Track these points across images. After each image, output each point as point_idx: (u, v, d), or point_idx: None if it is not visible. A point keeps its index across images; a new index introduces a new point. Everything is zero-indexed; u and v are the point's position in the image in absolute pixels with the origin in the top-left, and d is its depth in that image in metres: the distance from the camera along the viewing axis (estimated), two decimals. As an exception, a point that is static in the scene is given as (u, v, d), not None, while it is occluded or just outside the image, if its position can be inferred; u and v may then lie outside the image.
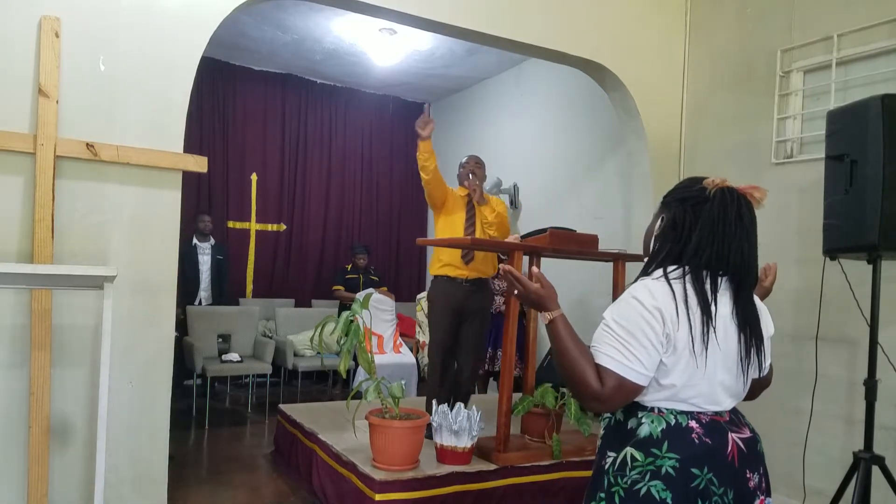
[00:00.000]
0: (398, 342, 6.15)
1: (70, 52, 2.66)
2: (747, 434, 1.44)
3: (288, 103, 7.24)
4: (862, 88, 3.30)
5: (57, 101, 2.61)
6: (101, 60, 2.73)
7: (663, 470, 1.34)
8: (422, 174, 3.67)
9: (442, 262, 3.75)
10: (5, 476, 2.55)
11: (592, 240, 3.60)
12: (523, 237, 3.72)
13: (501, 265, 1.54)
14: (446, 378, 3.73)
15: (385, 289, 6.67)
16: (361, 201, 7.76)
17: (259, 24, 5.79)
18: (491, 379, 5.61)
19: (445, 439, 3.15)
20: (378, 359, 5.33)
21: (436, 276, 3.80)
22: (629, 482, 1.36)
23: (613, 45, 4.07)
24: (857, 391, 2.99)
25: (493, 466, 3.18)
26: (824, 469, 3.29)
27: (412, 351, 6.23)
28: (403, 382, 3.22)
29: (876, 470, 2.60)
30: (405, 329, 6.59)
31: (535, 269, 1.50)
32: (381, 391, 3.06)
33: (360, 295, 4.85)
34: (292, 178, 7.31)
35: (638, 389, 1.37)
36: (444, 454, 3.16)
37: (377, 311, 5.77)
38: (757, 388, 1.56)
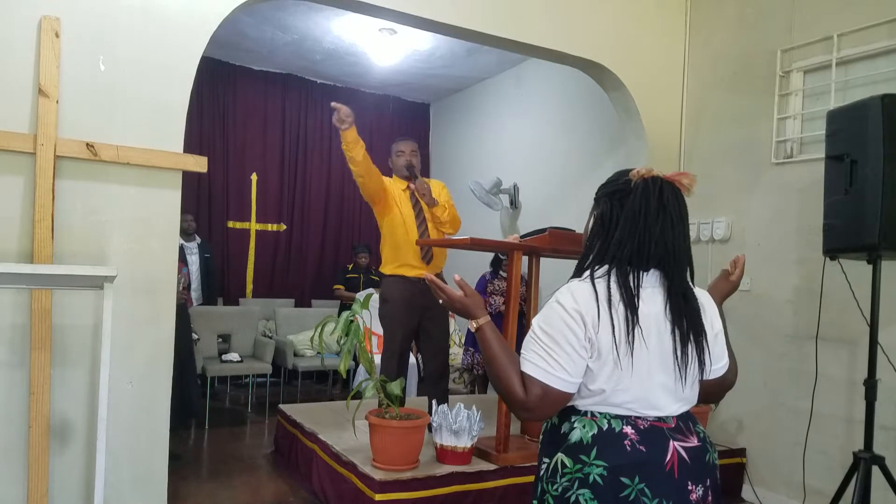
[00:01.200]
0: (398, 342, 6.13)
1: (70, 52, 2.66)
2: (694, 443, 1.34)
3: (288, 103, 7.24)
4: (862, 88, 3.30)
5: (57, 101, 2.60)
6: (101, 60, 2.73)
7: (591, 478, 1.28)
8: (351, 167, 3.42)
9: (399, 262, 3.63)
10: (5, 476, 2.55)
11: (591, 240, 3.59)
12: (523, 237, 3.72)
13: (425, 275, 1.51)
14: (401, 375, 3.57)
15: (385, 289, 6.66)
16: (361, 201, 7.74)
17: (259, 24, 5.79)
18: (491, 379, 5.61)
19: (445, 439, 3.15)
20: (378, 359, 5.32)
21: (390, 275, 3.67)
22: (560, 489, 1.31)
23: (613, 45, 4.07)
24: (857, 391, 2.99)
25: (493, 466, 3.18)
26: (824, 469, 3.29)
27: (412, 351, 6.22)
28: (403, 381, 3.22)
29: (876, 470, 2.61)
30: (405, 329, 6.57)
31: (457, 276, 1.47)
32: (380, 390, 3.06)
33: (361, 295, 4.86)
34: (292, 178, 7.31)
35: (565, 397, 1.31)
36: (444, 454, 3.16)
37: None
38: (715, 389, 1.46)
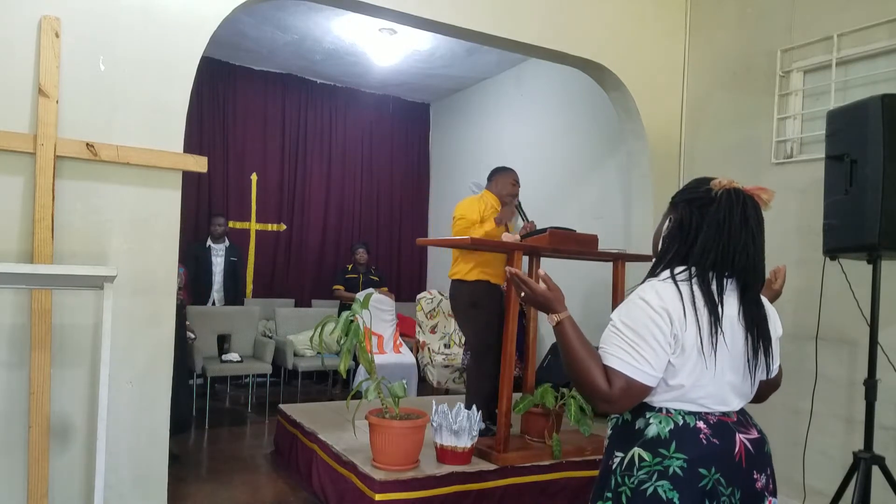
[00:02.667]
0: (398, 342, 6.15)
1: (70, 52, 2.66)
2: (755, 435, 1.44)
3: (288, 103, 7.24)
4: (862, 88, 3.30)
5: (57, 101, 2.60)
6: (101, 60, 2.73)
7: (671, 470, 1.34)
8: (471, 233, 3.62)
9: (482, 270, 3.71)
10: (5, 476, 2.55)
11: (592, 240, 3.60)
12: (523, 237, 3.72)
13: (507, 268, 1.54)
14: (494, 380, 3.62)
15: (385, 289, 6.67)
16: (361, 201, 7.76)
17: (259, 24, 5.79)
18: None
19: (445, 439, 3.15)
20: (378, 359, 5.32)
21: (476, 280, 3.72)
22: (636, 482, 1.36)
23: (613, 45, 4.07)
24: (857, 391, 2.99)
25: (493, 466, 3.18)
26: (824, 469, 3.29)
27: (412, 351, 6.23)
28: (404, 382, 3.22)
29: (876, 470, 2.60)
30: (405, 329, 6.59)
31: (541, 271, 1.50)
32: (381, 391, 3.06)
33: (361, 295, 4.86)
34: (292, 178, 7.31)
35: (646, 390, 1.37)
36: (444, 454, 3.16)
37: (377, 311, 5.77)
38: (766, 390, 1.56)
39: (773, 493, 1.46)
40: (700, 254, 1.41)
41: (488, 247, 3.49)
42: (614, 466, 1.42)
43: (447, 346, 6.34)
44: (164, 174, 2.86)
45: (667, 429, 1.37)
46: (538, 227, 3.74)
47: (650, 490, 1.34)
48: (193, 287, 5.89)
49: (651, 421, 1.39)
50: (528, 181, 6.30)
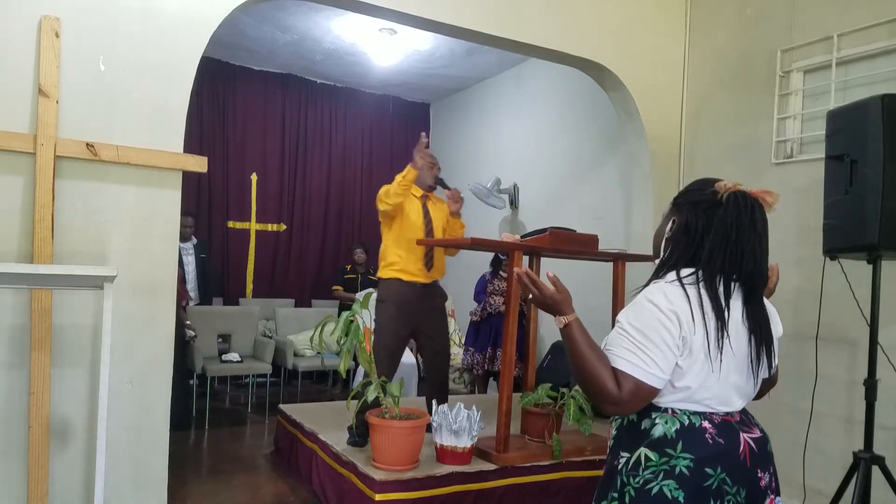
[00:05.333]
0: (398, 342, 6.13)
1: (70, 52, 2.66)
2: (757, 434, 1.45)
3: (288, 103, 7.24)
4: (862, 88, 3.30)
5: (57, 101, 2.60)
6: (101, 60, 2.73)
7: (677, 469, 1.35)
8: (386, 202, 3.49)
9: (397, 267, 3.63)
10: (5, 476, 2.55)
11: (592, 240, 3.60)
12: (523, 237, 3.72)
13: (516, 269, 1.53)
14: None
15: (385, 289, 6.65)
16: (361, 201, 7.76)
17: (259, 24, 5.79)
18: (491, 379, 5.61)
19: (445, 439, 3.14)
20: (378, 359, 5.32)
21: (387, 279, 3.65)
22: (641, 482, 1.37)
23: (613, 45, 4.07)
24: (857, 391, 2.99)
25: (493, 466, 3.18)
26: (824, 469, 3.28)
27: (412, 351, 6.22)
28: (402, 380, 3.22)
29: (876, 470, 2.60)
30: (405, 329, 6.58)
31: (550, 272, 1.50)
32: (381, 391, 3.06)
33: (360, 295, 4.85)
34: (292, 178, 7.31)
35: (654, 392, 1.38)
36: (444, 454, 3.16)
37: (377, 311, 5.76)
38: (765, 388, 1.58)
39: (777, 492, 1.47)
40: (708, 258, 1.41)
41: (488, 246, 3.49)
42: (620, 466, 1.43)
43: (447, 346, 6.33)
44: (164, 174, 2.86)
45: (673, 429, 1.38)
46: (539, 228, 3.74)
47: (655, 489, 1.35)
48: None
49: (657, 421, 1.40)
50: (528, 181, 6.34)
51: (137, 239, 2.81)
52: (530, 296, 1.47)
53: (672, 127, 4.30)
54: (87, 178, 2.70)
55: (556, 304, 1.44)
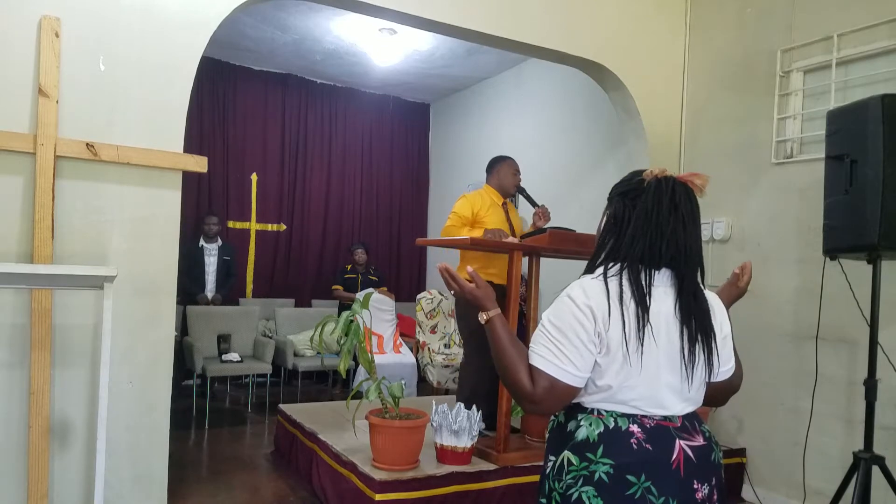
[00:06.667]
0: (398, 342, 6.15)
1: (70, 52, 2.66)
2: (699, 442, 1.35)
3: (288, 103, 7.24)
4: (862, 88, 3.30)
5: (57, 101, 2.61)
6: (101, 60, 2.73)
7: (596, 475, 1.28)
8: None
9: (481, 270, 3.68)
10: (5, 476, 2.55)
11: (592, 240, 3.57)
12: (523, 237, 3.72)
13: (438, 265, 1.51)
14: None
15: (385, 289, 6.67)
16: (361, 201, 7.76)
17: (259, 24, 5.79)
18: (491, 379, 5.61)
19: (445, 439, 3.14)
20: (378, 359, 5.32)
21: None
22: (564, 487, 1.32)
23: (613, 45, 4.07)
24: (857, 391, 2.99)
25: (493, 466, 3.18)
26: (824, 469, 3.29)
27: (412, 351, 6.23)
28: (404, 382, 3.22)
29: (876, 470, 2.60)
30: (405, 329, 6.59)
31: (469, 268, 1.48)
32: (381, 391, 3.06)
33: (360, 295, 4.86)
34: (292, 178, 7.31)
35: (571, 391, 1.32)
36: (444, 454, 3.16)
37: (377, 311, 5.77)
38: (720, 392, 1.48)
39: None
40: (629, 245, 1.36)
41: (487, 247, 3.49)
42: (547, 471, 1.38)
43: (447, 346, 6.34)
44: (164, 174, 2.86)
45: (596, 432, 1.31)
46: (539, 228, 3.75)
47: (575, 495, 1.29)
48: (183, 286, 5.87)
49: (582, 423, 1.34)
50: (528, 181, 6.28)
51: (137, 239, 2.81)
52: (452, 292, 1.46)
53: (672, 127, 4.30)
54: (87, 178, 2.71)
55: (477, 299, 1.42)
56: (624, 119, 4.32)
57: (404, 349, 6.13)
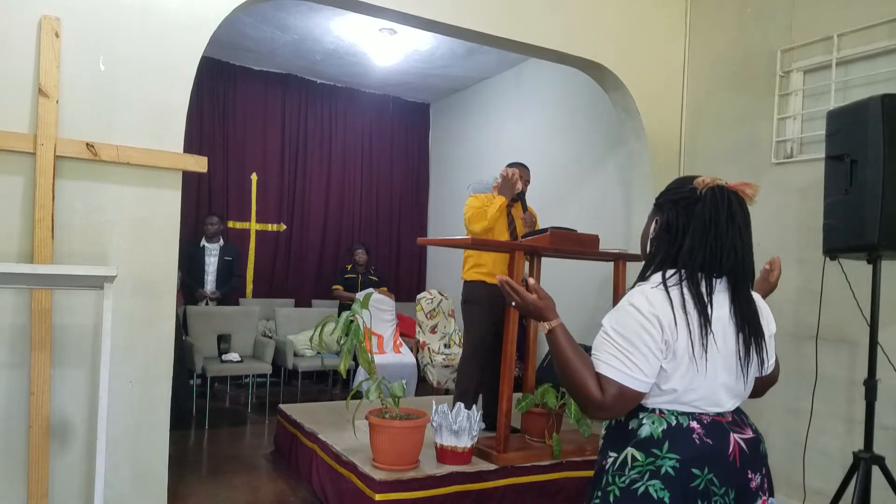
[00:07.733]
0: (398, 342, 6.15)
1: (70, 52, 2.66)
2: (749, 434, 1.44)
3: (288, 103, 7.24)
4: (862, 88, 3.30)
5: (57, 101, 2.60)
6: (101, 60, 2.73)
7: (663, 470, 1.34)
8: (485, 226, 3.67)
9: (484, 270, 3.79)
10: (5, 476, 2.55)
11: (593, 240, 3.60)
12: (523, 237, 3.72)
13: (498, 277, 1.53)
14: (483, 381, 3.78)
15: (385, 289, 6.67)
16: (361, 201, 7.76)
17: (259, 24, 5.79)
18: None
19: (445, 439, 3.15)
20: (378, 359, 5.32)
21: (472, 281, 3.83)
22: (627, 481, 1.37)
23: (613, 45, 4.07)
24: (857, 391, 2.99)
25: (493, 466, 3.18)
26: (824, 469, 3.29)
27: (412, 351, 6.23)
28: (404, 382, 3.22)
29: (876, 470, 2.60)
30: (405, 329, 6.59)
31: (531, 280, 1.49)
32: (381, 391, 3.06)
33: (360, 295, 4.85)
34: (292, 178, 7.31)
35: (639, 396, 1.37)
36: (444, 454, 3.16)
37: (377, 311, 5.77)
38: (762, 386, 1.56)
39: (770, 493, 1.46)
40: (688, 255, 1.41)
41: (489, 247, 3.49)
42: (607, 466, 1.43)
43: (447, 346, 6.34)
44: (164, 174, 2.86)
45: (660, 429, 1.37)
46: (540, 227, 3.75)
47: (641, 489, 1.35)
48: (186, 285, 5.88)
49: (644, 421, 1.40)
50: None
51: (137, 239, 2.81)
52: (513, 303, 1.47)
53: (672, 127, 4.30)
54: (87, 178, 2.70)
55: (539, 310, 1.44)
56: (624, 119, 4.32)
57: (404, 349, 6.13)
